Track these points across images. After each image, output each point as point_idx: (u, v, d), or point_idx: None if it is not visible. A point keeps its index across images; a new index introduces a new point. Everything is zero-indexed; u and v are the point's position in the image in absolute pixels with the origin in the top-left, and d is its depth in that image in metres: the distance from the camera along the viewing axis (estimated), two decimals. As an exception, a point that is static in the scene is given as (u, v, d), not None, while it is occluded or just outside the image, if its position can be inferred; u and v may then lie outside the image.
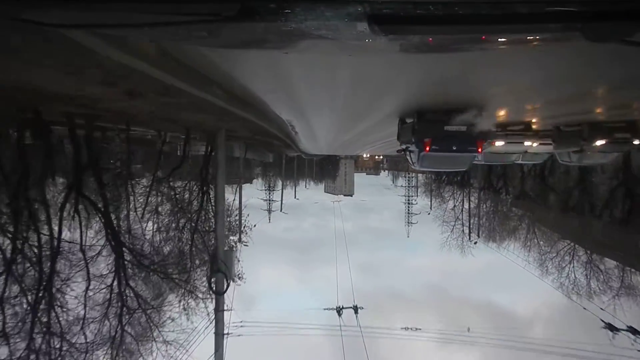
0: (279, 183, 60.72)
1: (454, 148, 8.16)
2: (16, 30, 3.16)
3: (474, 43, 2.03)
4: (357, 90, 7.81)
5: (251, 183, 59.80)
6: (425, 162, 8.94)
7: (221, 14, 1.76)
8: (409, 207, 61.86)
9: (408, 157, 10.16)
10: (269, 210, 56.16)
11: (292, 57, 4.87)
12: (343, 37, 1.91)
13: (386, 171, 72.99)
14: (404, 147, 9.86)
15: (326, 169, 74.18)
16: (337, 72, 6.31)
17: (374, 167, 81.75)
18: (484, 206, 36.83)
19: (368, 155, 68.79)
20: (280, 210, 56.05)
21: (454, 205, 40.59)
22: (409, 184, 65.64)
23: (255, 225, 29.56)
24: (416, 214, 59.02)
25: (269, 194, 59.55)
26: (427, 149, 8.12)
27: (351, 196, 76.10)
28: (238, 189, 32.43)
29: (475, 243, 35.34)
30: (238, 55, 5.32)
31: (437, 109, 8.15)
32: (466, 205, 38.71)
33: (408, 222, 59.48)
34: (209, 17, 1.77)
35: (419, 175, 61.07)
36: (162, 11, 1.77)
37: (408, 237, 57.43)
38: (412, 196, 63.55)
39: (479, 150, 8.56)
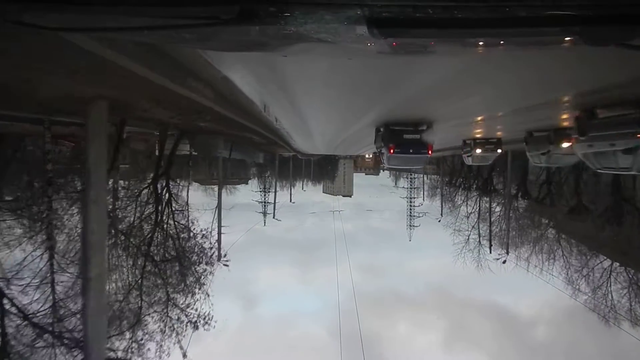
0: (274, 185, 58.52)
1: (411, 151, 11.31)
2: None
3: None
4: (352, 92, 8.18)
5: (247, 184, 57.86)
6: (391, 161, 12.32)
7: (220, 17, 1.85)
8: (411, 209, 62.00)
9: (381, 157, 13.37)
10: (264, 213, 54.27)
11: (284, 58, 4.96)
12: (342, 41, 2.00)
13: (387, 171, 72.88)
14: (378, 150, 12.94)
15: (325, 170, 73.89)
16: (332, 73, 6.45)
17: (373, 167, 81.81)
18: (516, 217, 31.42)
19: (371, 155, 68.45)
20: (273, 217, 52.78)
21: (469, 213, 36.81)
22: (411, 185, 65.74)
23: (226, 257, 25.96)
24: (419, 217, 59.14)
25: (264, 195, 57.52)
26: (391, 151, 11.33)
27: (350, 197, 76.16)
28: (217, 194, 30.60)
29: (504, 262, 30.12)
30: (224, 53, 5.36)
31: (400, 121, 11.00)
32: (485, 215, 34.65)
33: (410, 225, 59.59)
34: (208, 21, 1.86)
35: (424, 176, 60.31)
36: (161, 14, 1.86)
37: (410, 240, 57.48)
38: (415, 197, 63.72)
39: (429, 152, 11.87)
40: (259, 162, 50.42)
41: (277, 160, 54.91)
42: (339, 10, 1.82)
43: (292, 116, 13.82)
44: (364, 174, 76.87)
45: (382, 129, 11.82)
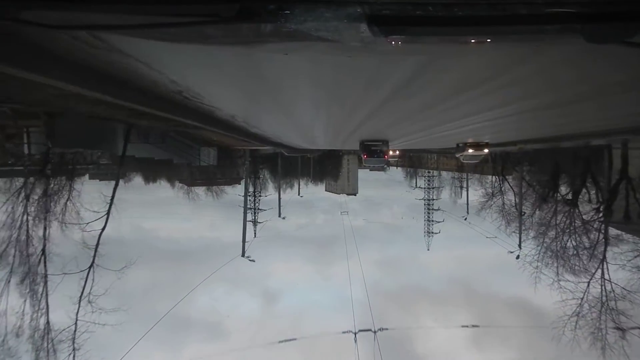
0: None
1: (376, 156, 21.30)
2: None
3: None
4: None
5: (239, 184, 50.16)
6: (366, 162, 25.24)
7: (220, 14, 2.18)
8: (429, 213, 62.18)
9: (362, 159, 24.50)
10: (255, 222, 48.78)
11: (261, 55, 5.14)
12: (343, 38, 2.34)
13: (397, 167, 73.01)
14: (359, 154, 24.36)
15: (326, 169, 73.34)
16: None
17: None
18: None
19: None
20: (242, 255, 38.60)
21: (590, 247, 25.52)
22: (429, 184, 65.77)
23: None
24: (439, 222, 59.27)
25: (255, 200, 52.04)
26: (365, 157, 22.01)
27: (355, 195, 76.72)
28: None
29: None
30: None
31: (370, 139, 20.65)
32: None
33: (428, 232, 59.90)
34: (208, 19, 2.20)
35: (467, 176, 54.85)
36: (161, 12, 2.20)
37: (428, 250, 57.95)
38: (434, 199, 63.78)
39: (385, 157, 21.99)
40: (203, 164, 38.29)
41: (246, 159, 45.85)
42: (339, 8, 2.16)
43: (276, 114, 14.16)
44: (368, 169, 77.27)
45: (360, 143, 21.68)
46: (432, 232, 59.49)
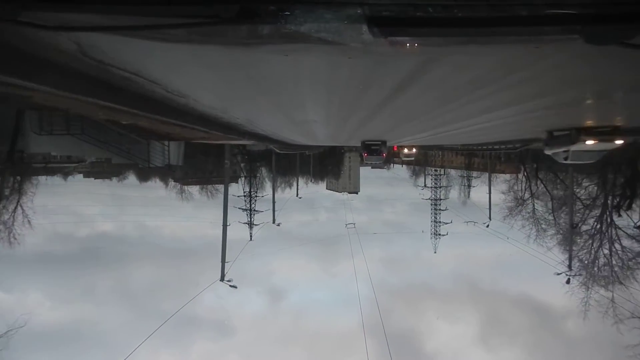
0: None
1: (375, 155, 24.70)
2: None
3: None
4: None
5: (236, 182, 50.92)
6: (366, 160, 27.81)
7: (220, 15, 2.29)
8: (436, 214, 62.12)
9: (363, 157, 28.41)
10: (251, 224, 47.71)
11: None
12: (343, 40, 2.45)
13: (402, 165, 73.07)
14: (361, 152, 29.64)
15: (327, 167, 73.20)
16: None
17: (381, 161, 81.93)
18: None
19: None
20: (222, 279, 30.90)
21: None
22: (437, 184, 65.60)
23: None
24: (446, 223, 59.26)
25: (251, 201, 50.50)
26: (365, 155, 25.62)
27: (356, 193, 77.37)
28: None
29: None
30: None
31: (370, 139, 23.56)
32: None
33: (435, 234, 59.92)
34: (208, 19, 2.31)
35: (490, 176, 48.64)
36: (161, 13, 2.30)
37: (435, 252, 58.07)
38: (441, 199, 63.66)
39: (383, 155, 25.57)
40: (154, 167, 31.38)
41: (226, 158, 40.33)
42: (339, 9, 2.27)
43: (274, 113, 14.24)
44: (370, 167, 77.79)
45: (362, 143, 24.74)
46: (440, 234, 59.54)
